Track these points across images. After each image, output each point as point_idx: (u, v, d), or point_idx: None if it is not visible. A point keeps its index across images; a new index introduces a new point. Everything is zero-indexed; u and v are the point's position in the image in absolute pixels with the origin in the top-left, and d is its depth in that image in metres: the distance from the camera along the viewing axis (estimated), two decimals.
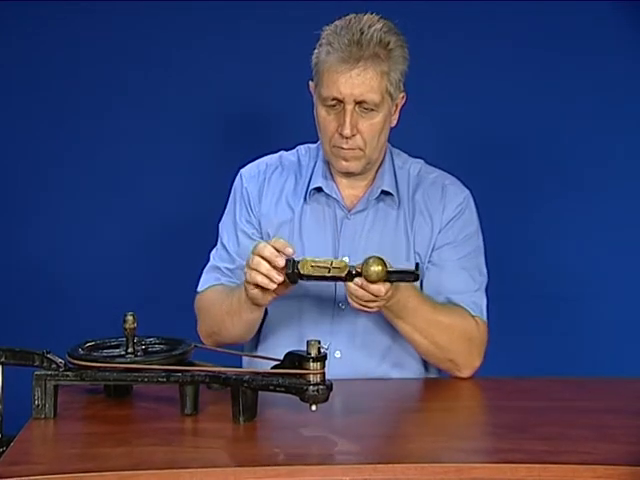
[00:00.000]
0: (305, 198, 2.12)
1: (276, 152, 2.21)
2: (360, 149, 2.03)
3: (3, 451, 1.63)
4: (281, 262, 1.83)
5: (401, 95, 2.06)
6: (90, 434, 1.69)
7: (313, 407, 1.65)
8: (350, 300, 1.92)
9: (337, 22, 2.01)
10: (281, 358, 1.70)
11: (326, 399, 1.65)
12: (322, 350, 1.65)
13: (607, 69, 3.08)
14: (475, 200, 2.15)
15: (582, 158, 3.12)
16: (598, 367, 2.91)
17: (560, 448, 1.60)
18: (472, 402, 2.01)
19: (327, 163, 2.12)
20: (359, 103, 1.98)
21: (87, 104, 3.12)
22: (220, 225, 2.19)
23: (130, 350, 1.81)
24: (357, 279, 1.85)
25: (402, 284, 1.90)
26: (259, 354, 2.11)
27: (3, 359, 1.81)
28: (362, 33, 1.97)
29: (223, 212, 2.21)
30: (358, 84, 1.97)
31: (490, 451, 1.65)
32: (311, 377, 1.64)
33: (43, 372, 1.76)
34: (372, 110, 2.00)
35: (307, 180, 2.13)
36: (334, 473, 1.51)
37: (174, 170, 3.14)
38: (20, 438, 1.66)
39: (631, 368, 2.81)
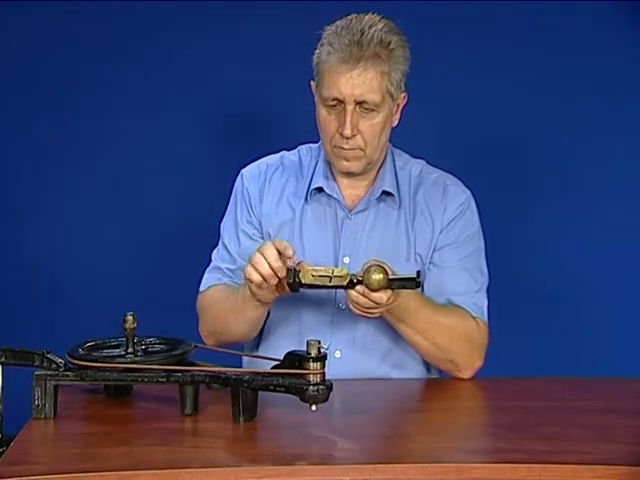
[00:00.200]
0: (306, 198, 2.12)
1: (277, 152, 2.21)
2: (361, 149, 2.03)
3: (3, 451, 1.63)
4: (282, 270, 1.84)
5: (402, 95, 2.06)
6: (90, 434, 1.69)
7: (313, 407, 1.65)
8: (351, 307, 1.92)
9: (338, 22, 2.01)
10: (281, 358, 1.70)
11: (326, 399, 1.65)
12: (322, 350, 1.65)
13: (607, 69, 3.08)
14: (476, 200, 2.15)
15: (582, 158, 3.12)
16: (598, 367, 2.91)
17: (560, 448, 1.60)
18: (472, 402, 2.01)
19: (328, 163, 2.12)
20: (360, 103, 1.98)
21: (87, 104, 3.12)
22: (221, 225, 2.19)
23: (130, 350, 1.81)
24: (358, 287, 1.85)
25: None
26: (259, 354, 2.11)
27: (3, 359, 1.81)
28: (363, 33, 1.96)
29: (223, 212, 2.21)
30: (359, 84, 1.97)
31: (490, 451, 1.65)
32: (311, 377, 1.64)
33: (43, 372, 1.76)
34: (373, 110, 2.00)
35: (308, 180, 2.13)
36: (334, 473, 1.51)
37: (174, 170, 3.14)
38: (20, 438, 1.66)
39: (631, 368, 2.81)
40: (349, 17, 2.01)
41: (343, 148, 2.02)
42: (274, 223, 2.12)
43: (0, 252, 3.14)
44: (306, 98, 2.12)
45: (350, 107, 1.98)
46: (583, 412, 1.81)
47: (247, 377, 1.70)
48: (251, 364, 2.10)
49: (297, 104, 2.34)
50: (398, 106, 2.06)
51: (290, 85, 2.55)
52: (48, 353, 1.79)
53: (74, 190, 3.14)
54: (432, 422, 1.79)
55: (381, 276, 1.82)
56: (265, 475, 1.50)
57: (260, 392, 1.71)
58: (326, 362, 1.66)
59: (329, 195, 2.11)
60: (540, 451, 1.58)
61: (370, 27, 1.97)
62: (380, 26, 1.98)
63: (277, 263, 1.85)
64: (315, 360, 1.64)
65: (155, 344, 1.87)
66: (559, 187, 3.14)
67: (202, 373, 1.74)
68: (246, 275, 1.89)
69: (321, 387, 1.64)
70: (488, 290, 2.14)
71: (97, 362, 1.76)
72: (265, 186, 2.15)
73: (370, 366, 2.09)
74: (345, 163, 2.05)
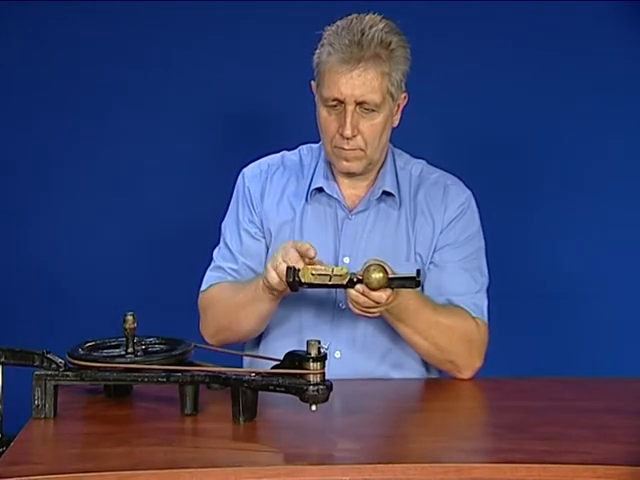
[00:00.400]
0: (306, 198, 2.12)
1: (277, 152, 2.21)
2: (361, 150, 2.03)
3: (3, 451, 1.63)
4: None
5: (403, 95, 2.06)
6: (90, 434, 1.69)
7: (313, 407, 1.65)
8: (351, 306, 1.92)
9: (339, 22, 2.01)
10: (281, 358, 1.70)
11: (326, 399, 1.65)
12: (322, 350, 1.65)
13: (607, 69, 3.08)
14: (476, 200, 2.15)
15: (582, 158, 3.12)
16: (598, 367, 2.91)
17: (560, 448, 1.60)
18: (472, 402, 2.01)
19: (329, 163, 2.12)
20: (360, 104, 1.98)
21: (87, 104, 3.12)
22: (222, 225, 2.19)
23: (130, 350, 1.81)
24: (358, 286, 1.85)
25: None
26: (259, 354, 2.11)
27: (3, 359, 1.81)
28: (363, 34, 1.96)
29: (224, 212, 2.21)
30: (359, 85, 1.96)
31: (490, 451, 1.65)
32: (311, 377, 1.64)
33: (43, 372, 1.76)
34: (373, 111, 2.00)
35: (309, 180, 2.13)
36: (334, 473, 1.51)
37: (174, 170, 3.14)
38: (20, 438, 1.66)
39: (631, 368, 2.81)
40: (350, 17, 2.01)
41: (343, 148, 2.02)
42: (275, 222, 2.12)
43: (0, 252, 3.14)
44: (306, 98, 2.12)
45: (350, 107, 1.98)
46: (583, 412, 1.81)
47: (247, 377, 1.70)
48: (252, 364, 2.10)
49: (297, 104, 2.34)
50: (398, 106, 2.06)
51: (290, 85, 2.55)
52: (48, 353, 1.79)
53: (74, 190, 3.15)
54: (432, 422, 1.79)
55: (381, 275, 1.82)
56: (265, 475, 1.49)
57: (260, 392, 1.71)
58: (326, 362, 1.66)
59: (329, 195, 2.11)
60: (540, 451, 1.58)
61: (371, 27, 1.97)
62: (381, 26, 1.98)
63: (299, 265, 1.85)
64: (315, 360, 1.64)
65: (155, 344, 1.87)
66: (559, 187, 3.15)
67: (202, 373, 1.74)
68: (266, 275, 1.90)
69: (321, 387, 1.64)
70: (488, 290, 2.14)
71: (97, 362, 1.76)
72: (266, 185, 2.15)
73: (370, 366, 2.09)
74: (345, 163, 2.05)
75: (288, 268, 1.85)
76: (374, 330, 2.08)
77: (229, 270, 2.14)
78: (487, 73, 3.10)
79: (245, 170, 2.20)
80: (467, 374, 2.06)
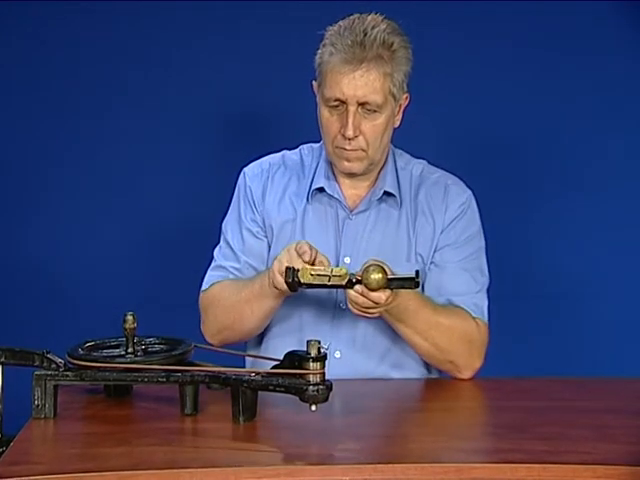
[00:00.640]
0: (307, 198, 2.12)
1: (277, 152, 2.21)
2: (363, 150, 2.03)
3: (3, 451, 1.63)
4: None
5: (404, 96, 2.05)
6: (90, 434, 1.69)
7: (313, 407, 1.65)
8: (350, 307, 1.92)
9: (341, 22, 2.01)
10: (281, 357, 1.70)
11: (326, 399, 1.65)
12: (322, 350, 1.65)
13: (607, 69, 3.08)
14: (476, 200, 2.15)
15: (582, 158, 3.12)
16: (598, 367, 2.91)
17: (560, 448, 1.60)
18: (472, 402, 2.01)
19: (329, 163, 2.12)
20: (362, 104, 1.98)
21: (87, 104, 3.12)
22: (224, 224, 2.19)
23: (130, 350, 1.81)
24: (357, 286, 1.85)
25: None
26: (259, 354, 2.11)
27: (3, 359, 1.81)
28: (365, 34, 1.96)
29: (224, 212, 2.20)
30: (361, 85, 1.96)
31: (490, 451, 1.65)
32: (311, 377, 1.64)
33: (43, 372, 1.76)
34: (375, 111, 1.99)
35: (310, 180, 2.13)
36: (334, 473, 1.51)
37: (174, 170, 3.14)
38: (20, 438, 1.66)
39: (631, 368, 2.81)
40: (351, 17, 2.01)
41: (345, 149, 2.02)
42: (277, 221, 2.12)
43: (0, 252, 3.14)
44: (306, 98, 2.12)
45: (352, 108, 1.98)
46: (583, 412, 1.81)
47: (247, 377, 1.70)
48: (255, 364, 2.10)
49: (297, 104, 2.34)
50: (400, 107, 2.06)
51: (290, 85, 2.56)
52: (48, 353, 1.79)
53: (74, 190, 3.15)
54: (432, 422, 1.79)
55: (380, 275, 1.82)
56: (265, 475, 1.49)
57: (260, 392, 1.71)
58: (326, 362, 1.66)
59: (330, 195, 2.11)
60: (540, 451, 1.58)
61: (373, 28, 1.97)
62: (383, 27, 1.98)
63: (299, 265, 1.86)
64: (315, 360, 1.64)
65: (155, 344, 1.87)
66: (559, 187, 3.15)
67: (202, 373, 1.74)
68: (272, 278, 1.91)
69: (321, 387, 1.64)
70: (488, 290, 2.14)
71: (97, 362, 1.76)
72: (268, 184, 2.15)
73: (370, 366, 2.09)
74: (347, 164, 2.05)
75: (287, 268, 1.85)
76: (374, 330, 2.08)
77: (231, 269, 2.14)
78: (487, 73, 3.10)
79: (246, 169, 2.19)
80: (467, 374, 2.06)
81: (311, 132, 2.13)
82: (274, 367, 1.71)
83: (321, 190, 2.11)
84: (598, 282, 3.12)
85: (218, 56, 3.11)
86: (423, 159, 2.19)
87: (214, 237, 2.20)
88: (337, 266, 1.96)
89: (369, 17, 1.99)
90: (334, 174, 2.12)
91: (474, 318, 2.07)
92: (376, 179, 2.12)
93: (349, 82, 1.96)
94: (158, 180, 3.13)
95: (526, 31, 3.09)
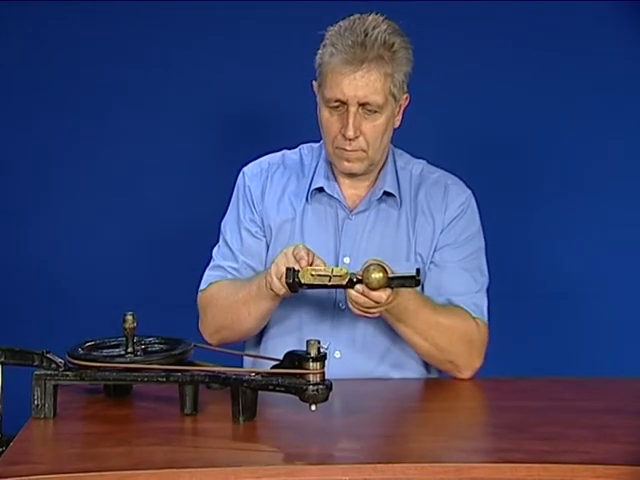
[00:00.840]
0: (307, 198, 2.12)
1: (278, 151, 2.21)
2: (363, 150, 2.03)
3: (3, 451, 1.63)
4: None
5: (405, 96, 2.05)
6: (90, 434, 1.69)
7: (313, 407, 1.65)
8: (351, 306, 1.92)
9: (341, 23, 2.00)
10: (281, 357, 1.70)
11: (326, 399, 1.65)
12: (322, 350, 1.65)
13: (607, 69, 3.08)
14: (476, 200, 2.15)
15: (582, 158, 3.12)
16: (598, 367, 2.91)
17: (560, 448, 1.60)
18: (472, 402, 2.01)
19: (329, 163, 2.11)
20: (362, 105, 1.98)
21: (87, 104, 3.12)
22: (222, 223, 2.19)
23: (130, 350, 1.81)
24: (358, 286, 1.85)
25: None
26: (259, 354, 2.11)
27: (3, 359, 1.81)
28: (366, 35, 1.96)
29: (223, 212, 2.20)
30: (362, 86, 1.96)
31: (490, 451, 1.65)
32: (311, 377, 1.64)
33: (43, 372, 1.76)
34: (375, 112, 1.99)
35: (309, 180, 2.13)
36: (334, 473, 1.51)
37: (174, 170, 3.14)
38: (20, 438, 1.66)
39: (631, 368, 2.81)
40: (352, 18, 2.00)
41: (345, 149, 2.02)
42: (275, 221, 2.12)
43: (0, 252, 3.14)
44: (306, 98, 2.12)
45: (353, 109, 1.98)
46: (583, 412, 1.81)
47: (247, 377, 1.70)
48: (254, 364, 2.10)
49: (297, 104, 2.34)
50: (400, 107, 2.06)
51: (290, 85, 2.55)
52: (48, 353, 1.79)
53: (74, 190, 3.15)
54: (432, 422, 1.79)
55: (381, 275, 1.82)
56: (264, 475, 1.49)
57: (260, 392, 1.71)
58: (326, 362, 1.65)
59: (330, 195, 2.11)
60: (540, 451, 1.58)
61: (374, 28, 1.97)
62: (384, 27, 1.97)
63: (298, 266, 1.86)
64: (315, 360, 1.64)
65: (155, 344, 1.87)
66: (559, 187, 3.15)
67: (202, 373, 1.74)
68: (270, 282, 1.91)
69: (321, 387, 1.64)
70: (488, 290, 2.14)
71: (97, 362, 1.76)
72: (267, 184, 2.15)
73: (370, 366, 2.09)
74: (347, 164, 2.05)
75: (287, 269, 1.85)
76: (374, 330, 2.08)
77: (229, 269, 2.14)
78: (487, 73, 3.10)
79: (245, 169, 2.19)
80: (467, 374, 2.06)
81: (311, 132, 2.13)
82: (274, 367, 1.71)
83: (321, 190, 2.11)
84: (598, 282, 3.12)
85: (218, 56, 3.11)
86: (423, 159, 2.19)
87: (214, 237, 2.20)
88: (337, 266, 1.96)
89: (370, 17, 1.99)
90: (334, 174, 2.12)
91: (474, 318, 2.07)
92: (376, 179, 2.12)
93: (350, 83, 1.96)
94: (158, 180, 3.13)
95: (526, 31, 3.09)
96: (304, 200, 2.12)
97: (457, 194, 2.12)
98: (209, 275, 2.16)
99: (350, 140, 2.00)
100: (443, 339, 2.03)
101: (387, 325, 2.04)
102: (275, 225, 2.12)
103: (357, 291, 1.86)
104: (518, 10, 3.06)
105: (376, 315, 1.94)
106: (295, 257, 1.88)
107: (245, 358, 2.14)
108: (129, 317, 1.80)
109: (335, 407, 1.77)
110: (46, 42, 3.10)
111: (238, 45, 3.10)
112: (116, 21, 3.10)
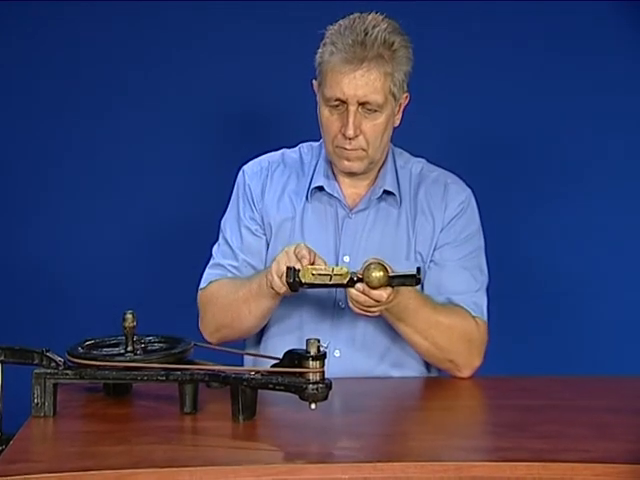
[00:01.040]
0: (307, 196, 2.12)
1: (277, 150, 2.21)
2: (363, 149, 2.03)
3: (2, 449, 1.63)
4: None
5: (405, 95, 2.05)
6: (89, 432, 1.69)
7: (312, 406, 1.65)
8: (351, 305, 1.92)
9: (341, 22, 2.01)
10: (281, 356, 1.70)
11: (325, 398, 1.65)
12: (321, 349, 1.65)
13: (607, 69, 3.08)
14: (476, 199, 2.15)
15: (582, 158, 3.12)
16: (598, 367, 2.91)
17: (559, 446, 1.60)
18: (472, 401, 2.01)
19: (329, 162, 2.12)
20: (362, 104, 1.98)
21: (87, 104, 3.12)
22: (222, 222, 2.19)
23: (129, 349, 1.81)
24: (358, 285, 1.85)
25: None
26: (260, 351, 2.11)
27: (3, 357, 1.81)
28: (366, 34, 1.96)
29: (223, 211, 2.21)
30: (362, 85, 1.96)
31: (490, 449, 1.65)
32: (310, 376, 1.64)
33: (42, 370, 1.76)
34: (375, 111, 2.00)
35: (309, 179, 2.13)
36: (333, 471, 1.51)
37: (174, 170, 3.14)
38: (19, 436, 1.66)
39: (631, 367, 2.81)
40: (352, 17, 2.01)
41: (345, 148, 2.02)
42: (275, 219, 2.12)
43: (0, 252, 3.14)
44: (306, 98, 2.12)
45: (353, 108, 1.98)
46: (583, 411, 1.81)
47: (246, 376, 1.70)
48: (254, 363, 2.09)
49: (297, 104, 2.34)
50: (400, 106, 2.06)
51: (290, 85, 2.56)
52: (47, 351, 1.79)
53: (74, 190, 3.15)
54: (432, 421, 1.79)
55: (381, 273, 1.82)
56: (264, 473, 1.49)
57: (259, 391, 1.71)
58: (325, 361, 1.65)
59: (330, 194, 2.11)
60: (540, 449, 1.58)
61: (374, 27, 1.97)
62: (384, 26, 1.98)
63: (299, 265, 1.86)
64: (314, 359, 1.64)
65: (154, 342, 1.87)
66: (559, 187, 3.14)
67: (201, 372, 1.74)
68: (271, 280, 1.91)
69: (320, 386, 1.64)
70: (488, 290, 2.14)
71: (96, 360, 1.76)
72: (267, 182, 2.15)
73: (370, 365, 2.09)
74: (347, 163, 2.05)
75: (288, 268, 1.85)
76: (374, 329, 2.08)
77: (229, 267, 2.14)
78: (487, 73, 3.10)
79: (245, 167, 2.20)
80: (467, 373, 2.06)
81: (311, 131, 2.13)
82: (274, 366, 1.71)
83: (320, 189, 2.11)
84: (598, 282, 3.12)
85: (218, 56, 3.11)
86: (423, 158, 2.19)
87: (214, 236, 2.20)
88: (337, 265, 1.96)
89: (370, 16, 1.99)
90: (333, 173, 2.12)
91: (474, 317, 2.07)
92: (376, 178, 2.12)
93: (350, 82, 1.96)
94: (158, 180, 3.13)
95: (526, 31, 3.09)
96: (304, 199, 2.12)
97: (457, 193, 2.13)
98: (209, 273, 2.16)
99: (350, 139, 2.00)
100: (443, 338, 2.03)
101: (387, 324, 2.04)
102: (275, 223, 2.12)
103: (358, 290, 1.86)
104: (518, 10, 3.06)
105: (376, 314, 1.94)
106: (297, 256, 1.88)
107: (245, 357, 2.14)
108: (129, 316, 1.80)
109: (335, 406, 1.77)
110: (46, 42, 3.10)
111: (238, 45, 3.10)
112: (116, 21, 3.10)
